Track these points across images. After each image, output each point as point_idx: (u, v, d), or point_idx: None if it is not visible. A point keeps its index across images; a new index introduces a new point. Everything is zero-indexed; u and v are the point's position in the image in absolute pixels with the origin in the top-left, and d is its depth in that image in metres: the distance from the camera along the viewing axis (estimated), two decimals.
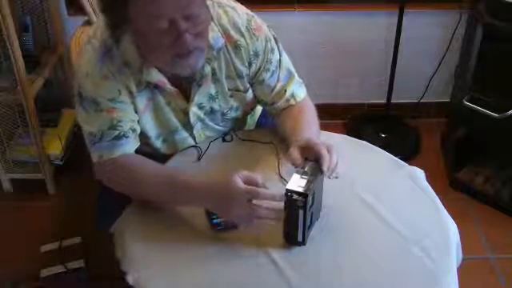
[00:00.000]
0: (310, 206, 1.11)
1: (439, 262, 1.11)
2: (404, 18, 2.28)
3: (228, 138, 1.43)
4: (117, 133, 1.24)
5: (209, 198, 1.16)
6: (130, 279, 1.10)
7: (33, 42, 2.20)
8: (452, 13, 2.39)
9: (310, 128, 1.32)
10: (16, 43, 1.99)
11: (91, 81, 1.21)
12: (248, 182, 1.12)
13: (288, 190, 1.08)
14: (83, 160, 2.14)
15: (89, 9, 1.77)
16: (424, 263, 1.11)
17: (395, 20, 2.30)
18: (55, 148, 2.29)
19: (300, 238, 1.13)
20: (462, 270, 1.17)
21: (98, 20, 1.27)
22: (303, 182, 1.10)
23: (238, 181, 1.11)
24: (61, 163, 2.31)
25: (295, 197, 1.08)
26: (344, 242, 1.17)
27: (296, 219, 1.10)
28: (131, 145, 1.28)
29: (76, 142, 2.41)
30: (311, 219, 1.15)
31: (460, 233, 1.22)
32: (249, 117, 1.54)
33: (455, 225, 1.21)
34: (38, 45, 2.27)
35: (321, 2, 2.40)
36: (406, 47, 2.39)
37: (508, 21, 1.93)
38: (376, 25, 2.45)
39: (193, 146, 1.40)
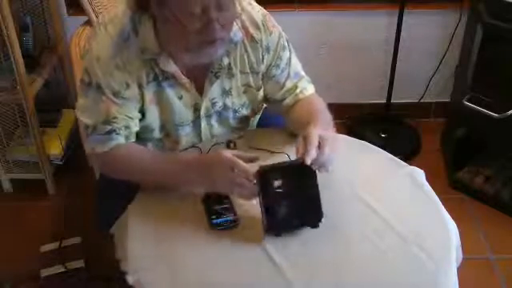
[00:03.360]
0: (284, 197, 1.12)
1: (439, 262, 1.11)
2: (404, 18, 2.28)
3: (231, 145, 1.40)
4: (109, 128, 1.25)
5: (193, 167, 1.21)
6: (130, 279, 1.10)
7: (33, 42, 2.20)
8: (452, 13, 2.39)
9: (317, 117, 1.30)
10: (16, 43, 1.99)
11: (101, 66, 1.21)
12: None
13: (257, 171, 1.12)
14: (83, 160, 2.16)
15: (89, 9, 1.76)
16: (424, 263, 1.11)
17: (395, 20, 2.30)
18: (55, 148, 2.29)
19: (264, 222, 1.14)
20: (462, 270, 1.17)
21: (115, 8, 1.27)
22: (273, 166, 1.14)
23: (225, 151, 1.17)
24: (61, 163, 2.32)
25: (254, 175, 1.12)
26: (344, 241, 1.16)
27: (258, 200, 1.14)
28: (123, 140, 1.28)
29: (76, 142, 2.42)
30: (290, 213, 1.14)
31: (460, 233, 1.22)
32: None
33: (455, 225, 1.22)
34: (37, 45, 2.27)
35: (321, 2, 2.40)
36: (406, 47, 2.39)
37: (508, 21, 1.93)
38: (376, 24, 2.45)
39: (193, 147, 1.40)
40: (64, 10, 2.36)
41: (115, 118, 1.25)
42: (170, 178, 1.24)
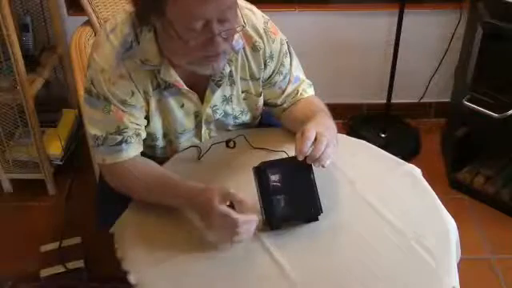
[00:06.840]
0: (281, 191, 1.15)
1: (440, 259, 1.12)
2: (404, 18, 2.28)
3: (231, 144, 1.40)
4: (120, 138, 1.25)
5: (193, 210, 1.19)
6: (131, 279, 1.11)
7: (33, 42, 2.20)
8: (452, 13, 2.39)
9: (315, 115, 1.30)
10: (16, 43, 1.99)
11: (106, 77, 1.21)
12: (227, 199, 1.13)
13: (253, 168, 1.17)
14: (83, 160, 2.16)
15: (89, 9, 1.76)
16: (425, 260, 1.11)
17: (395, 20, 2.30)
18: (55, 148, 2.29)
19: (263, 216, 1.16)
20: (461, 270, 1.17)
21: (116, 16, 1.26)
22: (270, 161, 1.18)
23: (217, 208, 1.11)
24: (61, 163, 2.32)
25: (253, 170, 1.16)
26: (344, 240, 1.17)
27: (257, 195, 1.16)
28: (134, 149, 1.28)
29: (76, 142, 2.42)
30: (287, 206, 1.16)
31: (460, 233, 1.22)
32: None
33: (454, 222, 1.22)
34: (37, 45, 2.27)
35: (321, 2, 2.40)
36: (406, 47, 2.39)
37: (508, 21, 1.93)
38: (376, 25, 2.45)
39: (192, 146, 1.40)
40: (64, 10, 2.37)
41: (126, 127, 1.24)
42: (175, 207, 1.24)
